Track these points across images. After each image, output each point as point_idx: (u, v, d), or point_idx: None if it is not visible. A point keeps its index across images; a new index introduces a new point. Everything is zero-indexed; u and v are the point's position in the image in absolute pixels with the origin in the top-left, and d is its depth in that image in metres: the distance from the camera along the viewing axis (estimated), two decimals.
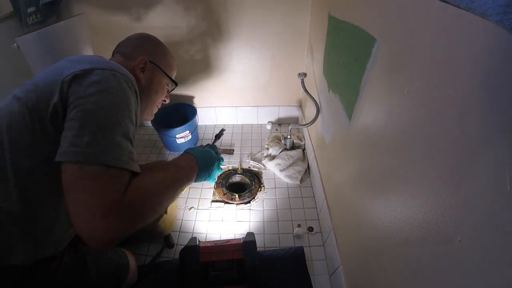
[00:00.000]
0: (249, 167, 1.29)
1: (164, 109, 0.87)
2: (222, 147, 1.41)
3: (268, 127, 1.53)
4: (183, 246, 0.84)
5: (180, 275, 0.78)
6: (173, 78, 0.79)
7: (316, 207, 1.09)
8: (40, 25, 1.05)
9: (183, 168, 0.63)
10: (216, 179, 0.95)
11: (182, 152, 0.71)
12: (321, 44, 0.97)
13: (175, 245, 0.99)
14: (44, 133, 0.51)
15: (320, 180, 1.04)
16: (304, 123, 1.31)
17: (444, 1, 0.30)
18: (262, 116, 1.55)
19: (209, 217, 1.08)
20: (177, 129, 1.27)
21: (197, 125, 1.42)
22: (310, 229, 1.01)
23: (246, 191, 1.15)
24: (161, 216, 0.92)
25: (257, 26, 1.21)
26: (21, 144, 0.51)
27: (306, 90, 1.10)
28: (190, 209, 1.11)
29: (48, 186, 0.54)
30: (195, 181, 0.67)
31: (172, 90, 0.82)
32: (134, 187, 0.48)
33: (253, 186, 1.17)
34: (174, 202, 1.06)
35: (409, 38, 0.43)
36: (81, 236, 0.43)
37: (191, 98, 1.47)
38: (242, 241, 0.83)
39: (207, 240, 0.99)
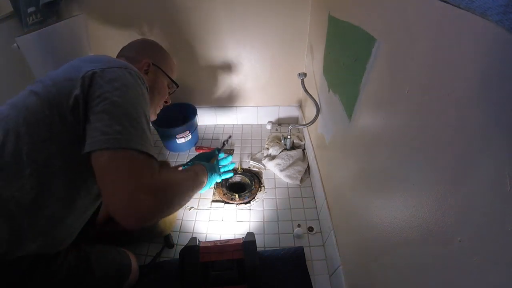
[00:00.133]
0: (249, 167, 1.29)
1: (164, 109, 0.88)
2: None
3: (268, 127, 1.53)
4: (183, 246, 0.84)
5: (180, 275, 0.78)
6: (174, 80, 0.85)
7: (316, 207, 1.09)
8: (40, 25, 1.05)
9: (198, 174, 0.75)
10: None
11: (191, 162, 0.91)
12: (321, 44, 0.97)
13: (175, 245, 0.99)
14: (63, 125, 0.53)
15: (320, 180, 1.04)
16: (304, 123, 1.31)
17: (444, 1, 0.30)
18: (262, 116, 1.55)
19: (209, 217, 1.08)
20: (177, 129, 1.28)
21: (197, 125, 1.42)
22: (310, 229, 1.01)
23: (246, 191, 1.15)
24: None
25: (257, 26, 1.21)
26: (38, 136, 0.52)
27: (306, 90, 1.10)
28: (190, 209, 1.11)
29: (61, 178, 0.55)
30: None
31: (173, 92, 0.87)
32: (164, 175, 0.54)
33: (253, 186, 1.17)
34: None
35: (409, 38, 0.43)
36: (116, 215, 0.46)
37: (191, 98, 1.47)
38: (242, 241, 0.83)
39: (207, 240, 0.99)
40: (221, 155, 0.96)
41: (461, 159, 0.32)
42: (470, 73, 0.30)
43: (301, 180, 1.19)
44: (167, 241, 0.98)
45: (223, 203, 1.12)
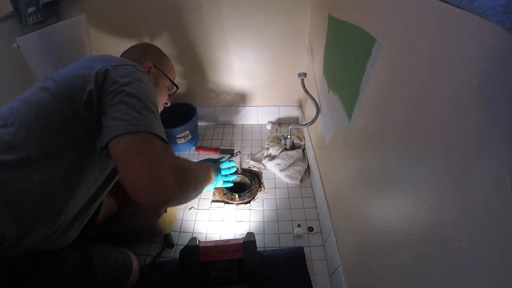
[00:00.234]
0: (249, 167, 1.29)
1: (164, 109, 0.90)
2: (222, 147, 1.41)
3: (268, 127, 1.53)
4: (183, 246, 0.84)
5: (180, 275, 0.78)
6: (174, 81, 0.89)
7: (316, 207, 1.09)
8: (40, 25, 1.05)
9: (209, 169, 0.80)
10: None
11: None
12: (321, 44, 0.97)
13: (175, 245, 0.99)
14: (76, 119, 0.55)
15: (320, 180, 1.04)
16: (304, 123, 1.31)
17: (444, 1, 0.30)
18: (262, 116, 1.55)
19: (209, 217, 1.08)
20: (177, 128, 1.27)
21: (197, 125, 1.42)
22: (310, 229, 1.01)
23: (246, 191, 1.15)
24: (161, 214, 0.93)
25: (257, 26, 1.21)
26: (50, 130, 0.54)
27: (306, 90, 1.10)
28: (190, 209, 1.11)
29: (69, 170, 0.57)
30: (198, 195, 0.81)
31: (173, 93, 0.91)
32: (181, 160, 0.58)
33: (253, 186, 1.17)
34: None
35: (409, 38, 0.43)
36: (139, 194, 0.47)
37: (191, 98, 1.47)
38: (242, 241, 0.83)
39: (207, 240, 0.99)
40: (226, 164, 0.98)
41: (461, 159, 0.32)
42: (470, 73, 0.30)
43: (301, 180, 1.19)
44: (167, 241, 0.98)
45: (223, 203, 1.12)
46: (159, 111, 0.85)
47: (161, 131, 0.55)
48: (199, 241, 0.86)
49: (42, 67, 0.96)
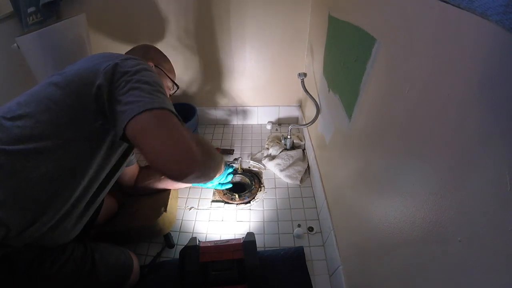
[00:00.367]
0: (249, 167, 1.29)
1: None
2: (222, 147, 1.41)
3: (268, 127, 1.53)
4: (183, 246, 0.84)
5: (180, 275, 0.78)
6: (175, 81, 0.90)
7: (316, 207, 1.09)
8: (40, 25, 1.05)
9: (222, 157, 0.82)
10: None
11: None
12: (321, 44, 0.97)
13: (175, 245, 0.99)
14: (84, 112, 0.57)
15: (320, 180, 1.04)
16: (304, 123, 1.31)
17: (444, 1, 0.30)
18: (262, 116, 1.55)
19: (209, 217, 1.08)
20: None
21: (197, 125, 1.42)
22: (310, 229, 1.01)
23: (246, 191, 1.15)
24: (161, 213, 0.93)
25: (257, 26, 1.21)
26: (58, 122, 0.56)
27: (306, 90, 1.10)
28: (190, 209, 1.11)
29: (76, 162, 0.59)
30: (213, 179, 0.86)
31: (174, 93, 0.91)
32: (199, 136, 0.65)
33: (253, 186, 1.17)
34: (175, 201, 1.06)
35: (409, 38, 0.43)
36: (167, 164, 0.49)
37: (191, 98, 1.47)
38: (242, 241, 0.83)
39: (207, 240, 0.99)
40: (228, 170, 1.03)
41: (461, 159, 0.32)
42: (470, 73, 0.30)
43: (301, 180, 1.19)
44: (167, 241, 0.98)
45: (223, 203, 1.12)
46: None
47: (174, 111, 0.56)
48: (199, 241, 0.86)
49: (42, 67, 0.96)
